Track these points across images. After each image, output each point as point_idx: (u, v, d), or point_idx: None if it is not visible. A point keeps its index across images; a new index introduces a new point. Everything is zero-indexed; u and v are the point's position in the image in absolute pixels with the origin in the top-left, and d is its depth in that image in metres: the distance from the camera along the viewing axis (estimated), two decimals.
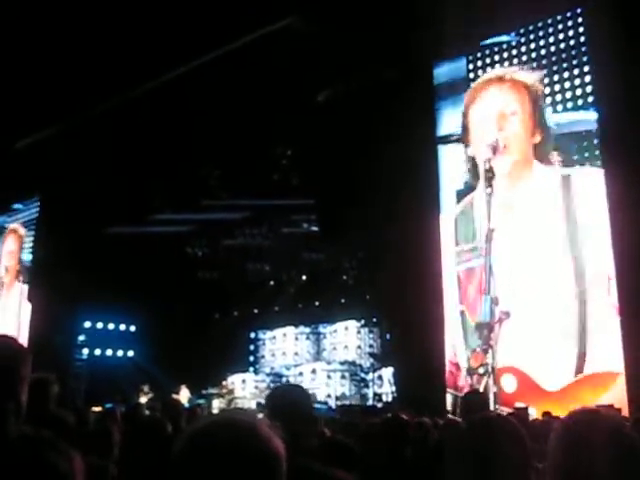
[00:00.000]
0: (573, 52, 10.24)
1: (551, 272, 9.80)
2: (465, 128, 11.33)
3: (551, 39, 10.48)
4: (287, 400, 2.32)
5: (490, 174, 10.00)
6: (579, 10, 10.22)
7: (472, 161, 11.05)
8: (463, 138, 11.33)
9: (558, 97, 10.35)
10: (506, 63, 11.03)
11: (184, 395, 13.48)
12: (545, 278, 9.84)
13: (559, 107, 10.32)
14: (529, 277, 9.99)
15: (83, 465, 1.21)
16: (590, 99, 9.98)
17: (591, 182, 9.77)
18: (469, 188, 11.09)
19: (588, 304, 9.41)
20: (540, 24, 10.60)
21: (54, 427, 2.51)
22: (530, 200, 10.33)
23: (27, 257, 16.83)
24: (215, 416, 1.15)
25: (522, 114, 10.57)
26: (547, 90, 10.45)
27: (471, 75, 11.45)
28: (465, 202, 11.19)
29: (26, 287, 16.49)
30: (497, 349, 9.50)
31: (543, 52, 10.55)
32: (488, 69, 11.23)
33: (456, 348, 10.74)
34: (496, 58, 11.16)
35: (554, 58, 10.41)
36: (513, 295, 9.90)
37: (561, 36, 10.38)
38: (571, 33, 10.30)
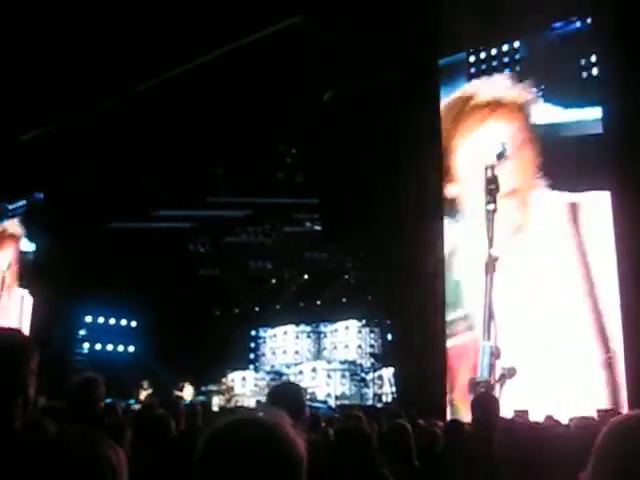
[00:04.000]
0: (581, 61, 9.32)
1: (571, 324, 7.86)
2: (447, 167, 9.66)
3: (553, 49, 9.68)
4: (278, 397, 2.41)
5: (493, 186, 8.21)
6: (588, 20, 9.52)
7: (455, 204, 9.08)
8: (445, 177, 9.66)
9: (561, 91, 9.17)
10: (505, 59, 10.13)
11: (188, 392, 13.47)
12: (564, 332, 7.89)
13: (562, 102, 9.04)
14: (542, 328, 8.05)
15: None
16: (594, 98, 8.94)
17: (601, 212, 7.93)
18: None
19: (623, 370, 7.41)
20: (542, 37, 9.85)
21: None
22: (536, 231, 8.50)
23: (30, 247, 16.72)
24: (239, 414, 1.15)
25: (518, 151, 8.84)
26: (552, 86, 9.23)
27: (470, 58, 10.62)
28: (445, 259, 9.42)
29: (27, 292, 16.13)
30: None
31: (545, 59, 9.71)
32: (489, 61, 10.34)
33: None
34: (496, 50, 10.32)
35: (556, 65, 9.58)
36: (520, 348, 7.86)
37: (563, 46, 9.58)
38: (575, 44, 9.50)
